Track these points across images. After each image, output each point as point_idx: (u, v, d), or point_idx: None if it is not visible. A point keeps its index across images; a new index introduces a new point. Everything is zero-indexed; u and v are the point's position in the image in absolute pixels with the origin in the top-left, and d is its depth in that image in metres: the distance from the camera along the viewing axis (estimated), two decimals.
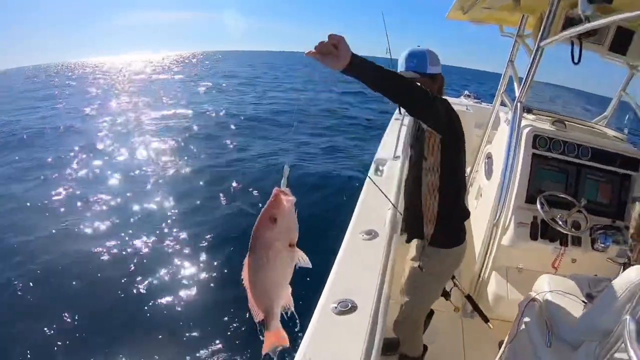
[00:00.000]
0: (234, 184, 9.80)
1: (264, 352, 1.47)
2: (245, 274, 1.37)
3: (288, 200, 1.34)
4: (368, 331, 1.91)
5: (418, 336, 3.08)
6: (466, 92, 7.44)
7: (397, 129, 4.52)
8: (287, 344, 1.47)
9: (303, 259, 1.40)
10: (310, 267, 1.39)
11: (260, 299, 1.41)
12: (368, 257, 2.44)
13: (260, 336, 1.43)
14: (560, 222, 3.34)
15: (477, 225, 3.58)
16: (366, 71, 1.90)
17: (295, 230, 1.40)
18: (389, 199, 2.74)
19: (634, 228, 2.90)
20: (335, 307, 2.04)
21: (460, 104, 6.87)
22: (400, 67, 2.52)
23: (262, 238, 1.35)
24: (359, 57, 1.85)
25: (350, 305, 2.05)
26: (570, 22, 3.03)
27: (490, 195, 3.72)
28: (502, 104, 4.69)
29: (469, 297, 3.35)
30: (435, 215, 2.56)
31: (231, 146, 13.45)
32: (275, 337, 1.46)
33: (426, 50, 2.51)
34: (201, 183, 10.07)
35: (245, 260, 1.37)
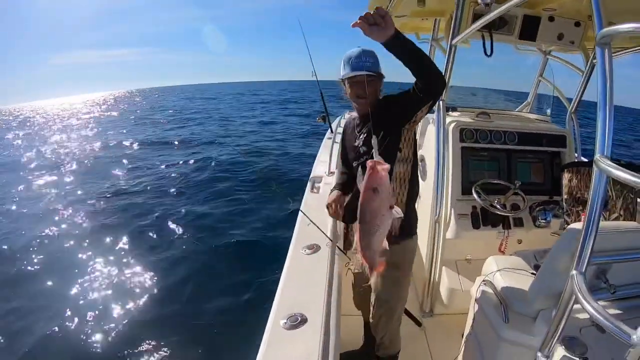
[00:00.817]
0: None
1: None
2: (358, 238, 1.57)
3: (383, 169, 1.46)
4: (321, 343, 1.80)
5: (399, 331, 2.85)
6: None
7: (330, 147, 4.53)
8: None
9: (397, 212, 1.51)
10: (402, 215, 1.54)
11: (371, 255, 1.59)
12: (313, 271, 2.34)
13: None
14: (498, 207, 3.24)
15: (420, 225, 3.43)
16: (406, 45, 1.91)
17: (392, 193, 1.57)
18: (322, 232, 2.55)
19: (566, 194, 2.79)
20: (285, 322, 1.92)
21: None
22: (350, 68, 2.24)
23: (370, 209, 1.49)
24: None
25: (300, 319, 1.94)
26: (477, 18, 2.89)
27: (428, 194, 3.56)
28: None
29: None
30: (404, 205, 2.41)
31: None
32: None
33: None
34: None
35: (357, 227, 1.56)
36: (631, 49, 3.52)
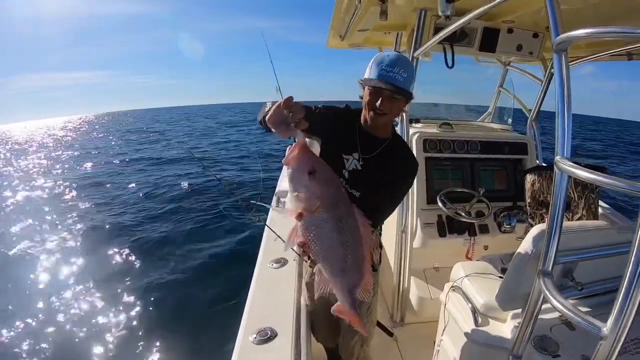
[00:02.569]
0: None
1: None
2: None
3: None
4: (292, 356, 1.80)
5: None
6: None
7: None
8: None
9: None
10: None
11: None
12: (281, 284, 2.32)
13: None
14: (463, 214, 3.27)
15: (387, 237, 3.45)
16: None
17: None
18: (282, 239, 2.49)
19: (529, 197, 2.83)
20: (255, 337, 1.90)
21: None
22: (377, 75, 1.83)
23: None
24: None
25: (269, 333, 1.92)
26: (439, 31, 2.92)
27: None
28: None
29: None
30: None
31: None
32: None
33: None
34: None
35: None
36: (586, 58, 3.61)
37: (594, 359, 1.21)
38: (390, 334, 3.25)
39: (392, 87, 1.80)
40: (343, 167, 2.07)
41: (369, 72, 1.87)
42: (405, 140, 3.33)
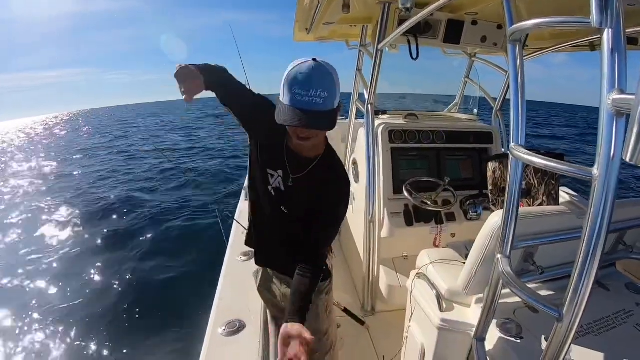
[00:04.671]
0: None
1: None
2: None
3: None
4: (261, 347, 1.83)
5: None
6: None
7: None
8: None
9: None
10: None
11: None
12: (249, 277, 2.20)
13: None
14: (429, 203, 3.29)
15: (355, 228, 3.45)
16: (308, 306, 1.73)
17: None
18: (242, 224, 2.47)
19: (491, 185, 2.84)
20: (224, 329, 1.93)
21: None
22: (290, 100, 1.52)
23: None
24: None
25: (238, 325, 1.95)
26: (403, 23, 2.93)
27: (362, 196, 3.59)
28: (358, 112, 4.53)
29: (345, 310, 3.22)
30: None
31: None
32: None
33: None
34: None
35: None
36: (551, 48, 3.65)
37: (551, 341, 1.23)
38: (362, 323, 3.27)
39: (308, 119, 1.51)
40: (268, 183, 1.94)
41: (282, 92, 1.54)
42: (371, 131, 3.34)
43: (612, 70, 0.96)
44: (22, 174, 18.59)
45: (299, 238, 1.91)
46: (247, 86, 3.07)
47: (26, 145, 35.84)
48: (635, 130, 0.86)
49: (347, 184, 1.94)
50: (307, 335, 1.52)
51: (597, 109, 0.99)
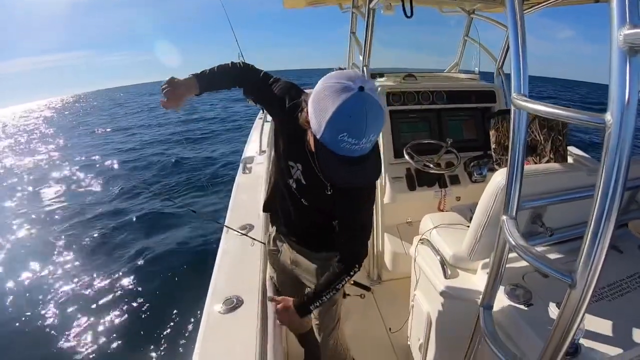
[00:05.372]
0: None
1: None
2: None
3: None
4: (259, 323, 1.78)
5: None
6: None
7: (260, 127, 4.50)
8: None
9: None
10: None
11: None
12: (246, 252, 2.26)
13: None
14: (431, 166, 3.17)
15: None
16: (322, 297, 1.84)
17: None
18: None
19: (494, 143, 2.76)
20: (222, 306, 1.88)
21: None
22: (336, 145, 1.28)
23: None
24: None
25: (235, 302, 1.90)
26: None
27: None
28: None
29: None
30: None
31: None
32: None
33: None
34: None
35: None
36: (550, 2, 3.49)
37: (563, 308, 1.13)
38: (368, 289, 3.13)
39: (364, 175, 1.42)
40: (290, 175, 1.85)
41: (320, 127, 1.29)
42: None
43: (622, 3, 0.83)
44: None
45: (320, 224, 1.93)
46: (241, 56, 2.96)
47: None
48: None
49: (370, 190, 1.79)
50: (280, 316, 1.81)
51: (600, 85, 0.86)
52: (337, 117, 1.22)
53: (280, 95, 1.77)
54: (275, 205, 2.13)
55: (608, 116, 0.89)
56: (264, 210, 2.27)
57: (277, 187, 2.03)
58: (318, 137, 1.31)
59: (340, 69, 1.54)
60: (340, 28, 4.77)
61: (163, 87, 1.73)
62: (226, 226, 2.47)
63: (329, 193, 1.74)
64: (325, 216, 1.88)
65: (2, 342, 5.10)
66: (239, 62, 1.95)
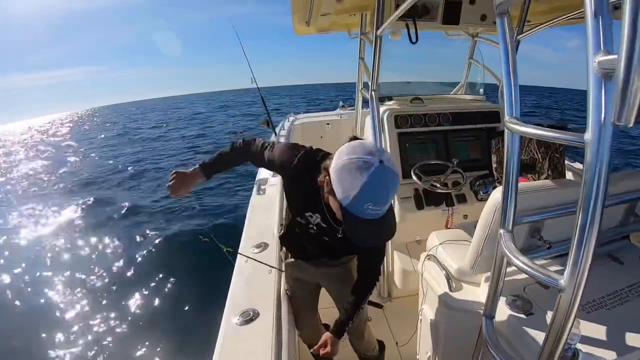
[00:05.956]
0: None
1: None
2: None
3: None
4: (274, 335, 1.84)
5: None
6: (340, 103, 7.36)
7: None
8: None
9: None
10: None
11: None
12: (262, 268, 2.32)
13: None
14: (438, 185, 3.26)
15: None
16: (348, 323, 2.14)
17: None
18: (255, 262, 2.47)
19: (495, 162, 2.82)
20: (238, 319, 1.95)
21: (335, 114, 6.89)
22: (358, 208, 1.42)
23: None
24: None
25: (252, 314, 1.97)
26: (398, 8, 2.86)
27: None
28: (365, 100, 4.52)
29: None
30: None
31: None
32: None
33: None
34: None
35: None
36: (548, 23, 3.58)
37: (555, 312, 1.20)
38: (380, 306, 3.21)
39: (384, 233, 1.60)
40: (309, 222, 2.01)
41: (345, 196, 1.42)
42: (376, 118, 3.33)
43: (597, 31, 0.93)
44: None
45: (340, 246, 2.14)
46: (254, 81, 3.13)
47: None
48: (619, 89, 0.83)
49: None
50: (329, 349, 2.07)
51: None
52: (363, 192, 1.37)
53: (283, 159, 1.93)
54: (294, 239, 2.28)
55: (587, 135, 0.99)
56: (282, 243, 2.45)
57: (295, 227, 2.15)
58: (344, 205, 1.44)
59: (355, 137, 1.62)
60: (350, 42, 4.85)
61: (171, 180, 2.07)
62: (240, 254, 2.52)
63: (340, 236, 1.96)
64: (345, 241, 1.93)
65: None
66: (238, 142, 2.14)
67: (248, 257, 2.43)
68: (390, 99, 4.04)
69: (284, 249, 2.50)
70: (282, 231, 2.34)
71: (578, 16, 3.10)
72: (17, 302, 6.43)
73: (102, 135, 34.31)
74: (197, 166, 2.14)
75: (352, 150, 1.46)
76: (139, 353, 5.01)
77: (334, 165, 1.48)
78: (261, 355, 1.72)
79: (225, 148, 2.15)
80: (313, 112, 7.52)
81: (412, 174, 3.28)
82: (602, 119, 0.95)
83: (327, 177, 1.54)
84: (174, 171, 2.08)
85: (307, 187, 1.79)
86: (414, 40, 3.26)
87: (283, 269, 2.44)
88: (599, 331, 1.63)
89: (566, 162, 3.32)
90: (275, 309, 2.02)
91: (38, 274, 7.29)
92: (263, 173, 4.22)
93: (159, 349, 5.03)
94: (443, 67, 5.53)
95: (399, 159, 3.51)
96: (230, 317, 1.96)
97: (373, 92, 3.49)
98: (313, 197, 1.80)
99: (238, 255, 2.61)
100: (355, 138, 1.61)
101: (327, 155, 1.79)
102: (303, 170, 1.81)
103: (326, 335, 2.12)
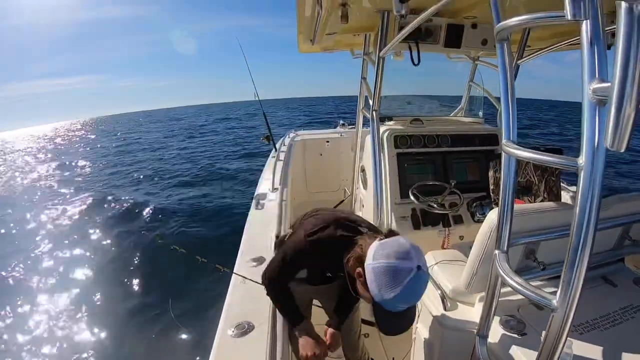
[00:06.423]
0: None
1: None
2: None
3: None
4: (268, 348, 1.84)
5: None
6: (341, 121, 7.33)
7: (273, 165, 4.59)
8: None
9: None
10: None
11: None
12: (258, 281, 2.27)
13: None
14: (435, 206, 3.28)
15: None
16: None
17: None
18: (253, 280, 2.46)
19: (492, 184, 2.88)
20: (233, 331, 1.94)
21: (336, 132, 6.88)
22: (392, 303, 1.57)
23: None
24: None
25: (247, 326, 1.96)
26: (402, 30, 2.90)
27: (370, 202, 3.62)
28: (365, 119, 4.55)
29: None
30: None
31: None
32: None
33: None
34: None
35: None
36: (548, 49, 3.63)
37: (548, 331, 1.23)
38: (374, 324, 3.22)
39: (409, 321, 1.75)
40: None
41: (381, 295, 1.55)
42: (376, 137, 3.36)
43: (592, 60, 0.97)
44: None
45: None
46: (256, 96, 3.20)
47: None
48: (612, 116, 0.86)
49: None
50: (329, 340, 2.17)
51: None
52: (398, 296, 1.51)
53: (304, 265, 2.17)
54: None
55: (580, 160, 1.02)
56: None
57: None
58: (377, 300, 1.57)
59: (391, 232, 1.72)
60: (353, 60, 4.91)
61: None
62: (235, 273, 2.51)
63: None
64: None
65: None
66: (264, 283, 2.14)
67: (244, 277, 2.43)
68: (390, 119, 4.09)
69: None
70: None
71: (577, 42, 3.16)
72: None
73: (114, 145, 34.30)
74: (294, 331, 2.10)
75: (391, 252, 1.56)
76: None
77: (371, 263, 1.58)
78: None
79: (271, 297, 2.16)
80: (313, 128, 7.58)
81: (409, 194, 3.31)
82: (596, 144, 0.98)
83: (360, 270, 1.67)
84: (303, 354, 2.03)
85: (327, 266, 2.07)
86: (416, 62, 3.31)
87: None
88: (592, 352, 1.65)
89: (563, 185, 3.36)
90: (271, 323, 2.02)
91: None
92: (262, 188, 4.24)
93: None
94: (444, 83, 5.58)
95: (397, 179, 3.55)
96: (225, 329, 1.96)
97: (374, 112, 3.53)
98: (333, 270, 2.09)
99: (235, 264, 2.64)
100: (391, 232, 1.73)
101: (349, 242, 1.84)
102: (320, 257, 2.00)
103: (330, 334, 2.21)
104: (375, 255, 1.58)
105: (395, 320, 1.62)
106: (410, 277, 1.48)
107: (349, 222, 1.98)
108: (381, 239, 1.65)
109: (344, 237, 1.88)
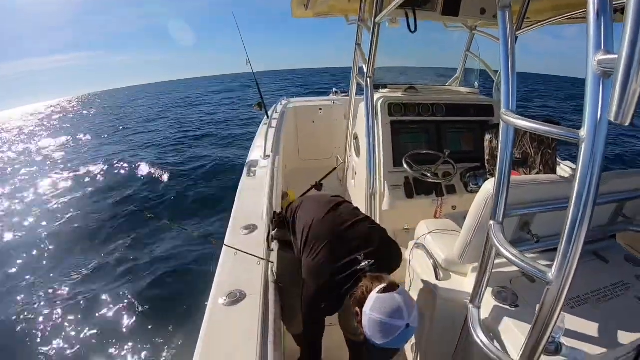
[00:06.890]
0: None
1: None
2: None
3: None
4: (260, 316, 1.83)
5: None
6: (334, 89, 7.23)
7: (265, 132, 4.51)
8: None
9: None
10: None
11: None
12: (250, 249, 2.27)
13: None
14: (429, 175, 3.25)
15: (357, 201, 3.42)
16: None
17: None
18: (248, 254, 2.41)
19: (488, 155, 2.85)
20: (225, 300, 1.92)
21: (329, 99, 6.77)
22: (382, 341, 1.66)
23: None
24: None
25: (238, 295, 1.94)
26: None
27: (363, 170, 3.63)
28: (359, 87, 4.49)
29: None
30: None
31: None
32: None
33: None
34: None
35: None
36: (548, 21, 3.57)
37: (542, 304, 1.23)
38: None
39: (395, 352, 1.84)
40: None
41: (374, 340, 1.66)
42: (370, 105, 3.32)
43: (598, 30, 0.94)
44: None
45: None
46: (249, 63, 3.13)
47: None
48: (618, 88, 0.83)
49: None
50: None
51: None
52: (387, 344, 1.64)
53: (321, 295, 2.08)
54: None
55: (582, 132, 1.00)
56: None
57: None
58: (367, 339, 1.70)
59: (394, 284, 1.75)
60: (347, 28, 4.80)
61: None
62: (226, 245, 2.47)
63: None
64: None
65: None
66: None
67: (236, 249, 2.41)
68: (384, 86, 4.06)
69: (272, 232, 2.59)
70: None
71: (577, 15, 3.10)
72: None
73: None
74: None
75: (386, 310, 1.64)
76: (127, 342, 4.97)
77: (368, 313, 1.67)
78: (247, 336, 1.71)
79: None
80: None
81: (403, 162, 3.28)
82: (599, 116, 0.96)
83: (358, 310, 1.77)
84: None
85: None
86: (412, 29, 3.25)
87: (271, 259, 2.42)
88: (582, 326, 1.66)
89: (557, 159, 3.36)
90: (263, 291, 2.01)
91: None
92: (254, 155, 4.18)
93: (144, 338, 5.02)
94: (440, 54, 5.52)
95: (391, 147, 3.53)
96: (217, 298, 1.94)
97: (369, 79, 3.48)
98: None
99: (228, 231, 2.61)
100: (393, 285, 1.73)
101: (353, 284, 1.89)
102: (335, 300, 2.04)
103: None
104: (372, 307, 1.66)
105: (383, 353, 1.75)
106: (399, 332, 1.61)
107: (348, 253, 2.03)
108: (380, 291, 1.69)
109: (345, 281, 1.95)
